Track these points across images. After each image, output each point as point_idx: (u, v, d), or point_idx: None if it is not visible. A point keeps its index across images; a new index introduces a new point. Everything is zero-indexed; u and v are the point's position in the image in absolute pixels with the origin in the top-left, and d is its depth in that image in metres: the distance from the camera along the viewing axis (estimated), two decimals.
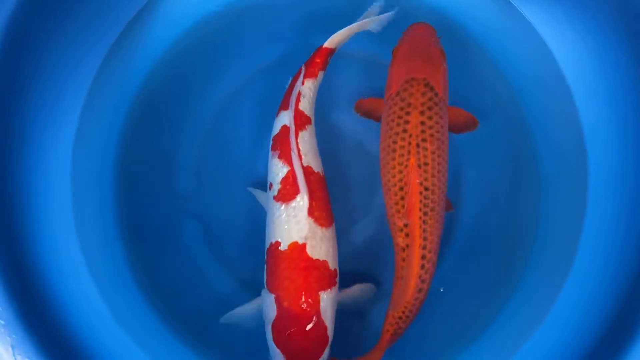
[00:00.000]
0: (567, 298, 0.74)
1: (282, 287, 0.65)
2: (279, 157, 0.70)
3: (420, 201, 0.66)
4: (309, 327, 0.64)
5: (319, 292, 0.65)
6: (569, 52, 0.80)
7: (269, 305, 0.66)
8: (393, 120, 0.68)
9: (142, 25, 0.82)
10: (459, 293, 0.79)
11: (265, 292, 0.68)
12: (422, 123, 0.67)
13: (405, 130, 0.67)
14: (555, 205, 0.79)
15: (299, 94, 0.73)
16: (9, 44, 0.70)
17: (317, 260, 0.66)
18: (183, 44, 0.84)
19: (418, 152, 0.66)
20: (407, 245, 0.66)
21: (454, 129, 0.74)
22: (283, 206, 0.67)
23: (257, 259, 0.79)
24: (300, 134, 0.71)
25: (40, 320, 0.68)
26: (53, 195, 0.76)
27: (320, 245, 0.66)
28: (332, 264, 0.67)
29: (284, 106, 0.74)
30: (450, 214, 0.76)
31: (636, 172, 0.75)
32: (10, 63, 0.71)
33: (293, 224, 0.66)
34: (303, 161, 0.69)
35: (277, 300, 0.65)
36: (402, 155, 0.67)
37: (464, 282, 0.79)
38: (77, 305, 0.72)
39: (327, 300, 0.65)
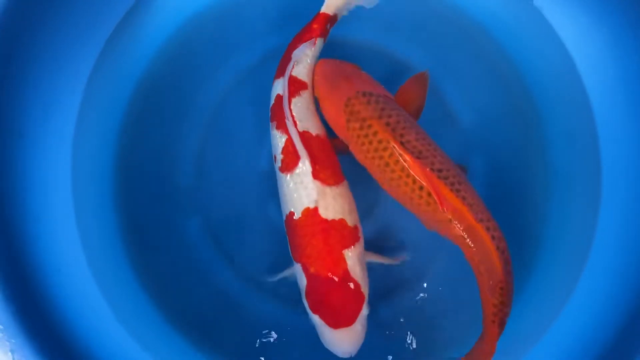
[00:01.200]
0: (583, 292, 0.72)
1: (305, 254, 0.65)
2: (277, 128, 0.70)
3: (445, 184, 0.63)
4: (340, 287, 0.64)
5: (343, 251, 0.64)
6: (579, 39, 0.77)
7: (298, 274, 0.66)
8: (364, 144, 0.66)
9: (140, 15, 0.80)
10: (469, 287, 0.76)
11: (293, 263, 0.68)
12: (387, 124, 0.65)
13: (380, 141, 0.65)
14: (567, 195, 0.77)
15: (293, 60, 0.72)
16: (4, 38, 0.69)
17: (333, 220, 0.65)
18: (182, 35, 0.83)
19: (407, 148, 0.64)
20: (466, 228, 0.63)
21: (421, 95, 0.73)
22: (288, 176, 0.67)
23: (261, 253, 0.79)
24: (294, 100, 0.70)
25: (41, 323, 0.67)
26: (53, 192, 0.74)
27: (333, 205, 0.66)
28: (351, 221, 0.67)
29: (278, 74, 0.73)
30: None
31: None
32: (5, 57, 0.70)
33: (301, 190, 0.66)
34: (299, 127, 0.68)
35: (304, 268, 0.65)
36: (397, 161, 0.64)
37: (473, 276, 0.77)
38: (79, 305, 0.71)
39: (353, 257, 0.65)
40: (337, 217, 0.65)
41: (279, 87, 0.71)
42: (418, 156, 0.64)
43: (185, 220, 0.80)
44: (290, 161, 0.67)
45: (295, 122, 0.68)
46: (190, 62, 0.83)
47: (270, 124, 0.72)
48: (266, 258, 0.79)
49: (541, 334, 0.73)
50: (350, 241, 0.66)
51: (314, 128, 0.70)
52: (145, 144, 0.81)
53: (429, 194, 0.63)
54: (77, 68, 0.77)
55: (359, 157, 0.68)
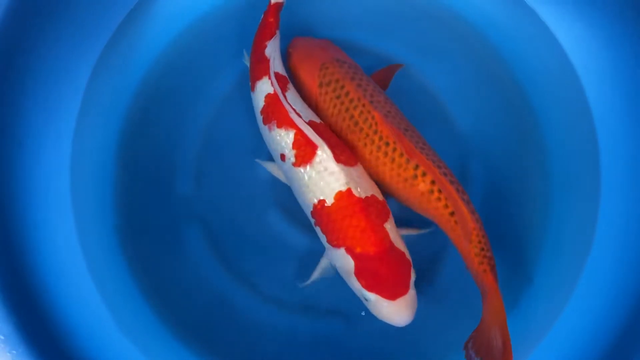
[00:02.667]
0: (582, 295, 0.73)
1: (348, 236, 0.64)
2: (279, 127, 0.69)
3: (410, 141, 0.66)
4: (390, 260, 0.64)
5: (384, 225, 0.65)
6: (576, 41, 0.78)
7: (342, 259, 0.65)
8: (335, 106, 0.70)
9: (137, 24, 0.80)
10: (468, 290, 0.75)
11: (331, 251, 0.67)
12: (359, 85, 0.69)
13: (351, 100, 0.69)
14: (567, 198, 0.77)
15: (271, 59, 0.72)
16: (2, 47, 0.69)
17: (367, 197, 0.65)
18: (180, 44, 0.83)
19: (376, 107, 0.68)
20: (433, 182, 0.65)
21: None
22: (308, 167, 0.66)
23: (261, 260, 0.79)
24: (287, 95, 0.70)
25: (42, 332, 0.67)
26: (52, 200, 0.75)
27: (362, 183, 0.66)
28: (379, 195, 0.67)
29: (257, 77, 0.73)
30: None
31: None
32: (3, 66, 0.70)
33: (327, 176, 0.66)
34: (304, 117, 0.68)
35: (349, 251, 0.64)
36: (366, 119, 0.68)
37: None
38: (80, 314, 0.71)
39: (392, 229, 0.66)
40: (369, 193, 0.66)
41: (265, 87, 0.71)
42: (386, 115, 0.67)
43: (184, 228, 0.80)
44: (306, 153, 0.67)
45: (299, 115, 0.68)
46: (188, 71, 0.83)
47: (265, 126, 0.71)
48: (266, 264, 0.78)
49: (542, 335, 0.73)
50: (386, 214, 0.66)
51: (314, 116, 0.71)
52: (143, 152, 0.81)
53: (394, 150, 0.66)
54: (75, 77, 0.77)
55: (330, 120, 0.72)
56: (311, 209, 0.68)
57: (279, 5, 0.75)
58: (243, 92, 0.82)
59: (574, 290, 0.73)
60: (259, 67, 0.73)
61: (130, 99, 0.80)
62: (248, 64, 0.79)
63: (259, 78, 0.72)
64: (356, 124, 0.68)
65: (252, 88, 0.73)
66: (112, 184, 0.79)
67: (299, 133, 0.67)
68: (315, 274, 0.73)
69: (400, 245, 0.66)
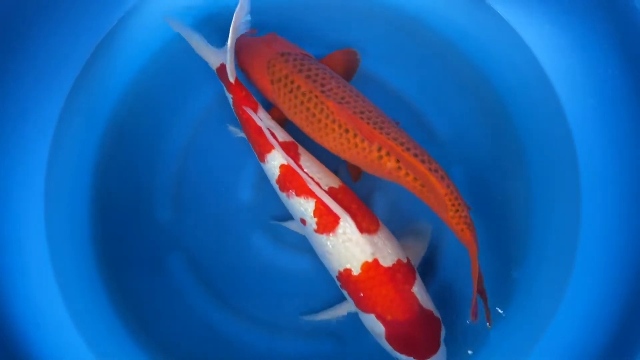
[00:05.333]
0: (572, 299, 0.73)
1: (378, 304, 0.65)
2: (298, 195, 0.68)
3: (368, 123, 0.66)
4: (420, 324, 0.64)
5: (412, 290, 0.65)
6: (548, 48, 0.79)
7: (372, 323, 0.66)
8: (290, 100, 0.70)
9: (111, 50, 0.79)
10: (456, 299, 0.77)
11: (361, 314, 0.67)
12: (308, 77, 0.69)
13: (304, 94, 0.69)
14: (549, 200, 0.78)
15: (268, 131, 0.71)
16: None
17: (394, 265, 0.65)
18: (153, 68, 0.82)
19: (328, 96, 0.68)
20: (398, 160, 0.66)
21: (348, 71, 0.78)
22: (331, 235, 0.66)
23: (245, 284, 0.78)
24: (301, 162, 0.69)
25: None
26: (26, 236, 0.73)
27: (388, 250, 0.66)
28: (403, 256, 0.67)
29: (264, 150, 0.71)
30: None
31: (625, 162, 0.75)
32: None
33: (353, 247, 0.65)
34: (323, 186, 0.68)
35: (380, 317, 0.65)
36: (322, 110, 0.68)
37: (460, 287, 0.77)
38: (60, 353, 0.70)
39: (420, 290, 0.66)
40: (395, 259, 0.66)
41: (278, 159, 0.69)
42: (340, 102, 0.67)
43: (166, 255, 0.79)
44: (328, 222, 0.66)
45: (318, 184, 0.67)
46: (162, 95, 0.82)
47: (283, 193, 0.70)
48: (251, 287, 0.78)
49: (535, 341, 0.73)
50: (413, 276, 0.66)
51: (332, 180, 0.69)
52: (120, 181, 0.79)
53: (355, 135, 0.67)
54: (47, 108, 0.76)
55: (289, 114, 0.72)
56: (336, 274, 0.67)
57: (237, 83, 0.73)
58: (218, 113, 0.82)
59: (564, 293, 0.73)
60: (262, 140, 0.71)
61: (104, 127, 0.79)
62: (238, 135, 0.77)
63: (267, 151, 0.70)
64: (313, 115, 0.69)
65: (262, 160, 0.72)
66: (88, 215, 0.77)
67: (320, 202, 0.66)
68: (326, 316, 0.73)
69: (428, 304, 0.66)
